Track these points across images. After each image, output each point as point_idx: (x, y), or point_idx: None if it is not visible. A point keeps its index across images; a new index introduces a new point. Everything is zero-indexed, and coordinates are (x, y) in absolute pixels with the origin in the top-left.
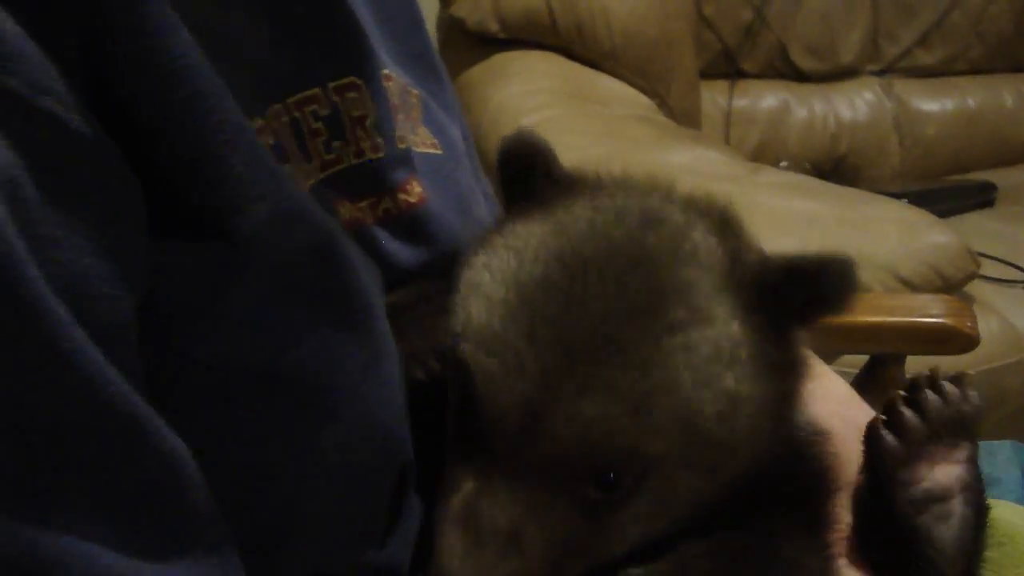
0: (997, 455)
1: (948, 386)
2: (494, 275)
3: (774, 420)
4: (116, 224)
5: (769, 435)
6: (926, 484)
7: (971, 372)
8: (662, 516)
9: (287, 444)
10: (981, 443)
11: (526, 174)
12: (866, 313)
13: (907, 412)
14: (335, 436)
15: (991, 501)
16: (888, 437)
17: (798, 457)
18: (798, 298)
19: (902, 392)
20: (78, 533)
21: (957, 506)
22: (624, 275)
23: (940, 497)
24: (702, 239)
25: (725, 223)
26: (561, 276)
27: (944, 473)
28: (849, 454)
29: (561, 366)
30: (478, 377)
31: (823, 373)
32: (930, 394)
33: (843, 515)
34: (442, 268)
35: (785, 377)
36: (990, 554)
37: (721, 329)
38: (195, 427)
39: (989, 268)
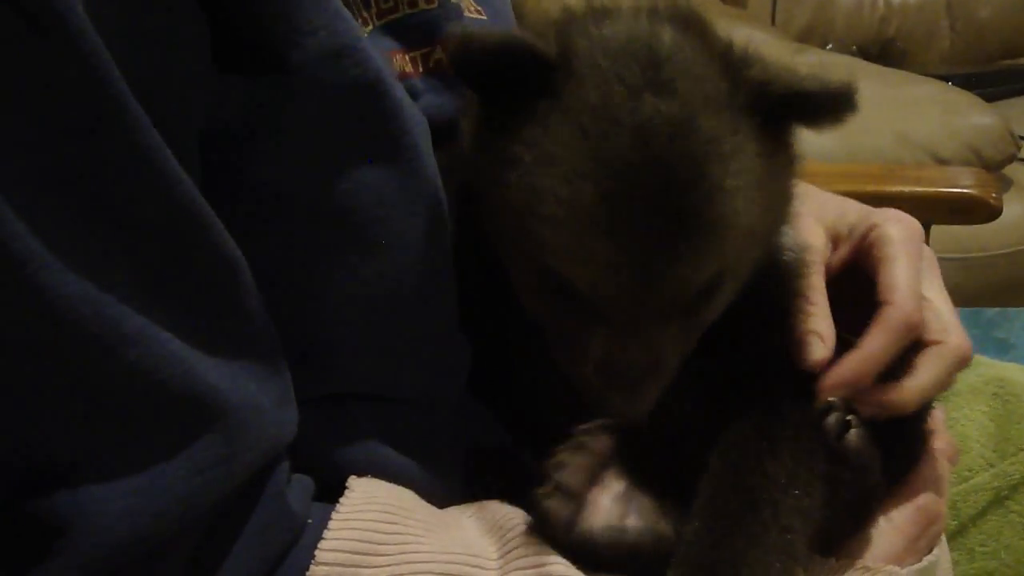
0: (1015, 321)
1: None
2: (547, 196)
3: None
4: (181, 49)
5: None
6: (604, 514)
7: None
8: (726, 302)
9: (330, 269)
10: (1001, 310)
11: (509, 70)
12: (894, 183)
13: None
14: (377, 266)
15: (1005, 364)
16: (550, 503)
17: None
18: (800, 117)
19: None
20: (150, 317)
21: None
22: (663, 160)
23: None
24: (703, 70)
25: (705, 31)
26: (614, 184)
27: (610, 495)
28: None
29: (650, 250)
30: (577, 281)
31: None
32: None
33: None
34: None
35: (790, 171)
36: (998, 410)
37: (751, 157)
38: (246, 247)
39: None
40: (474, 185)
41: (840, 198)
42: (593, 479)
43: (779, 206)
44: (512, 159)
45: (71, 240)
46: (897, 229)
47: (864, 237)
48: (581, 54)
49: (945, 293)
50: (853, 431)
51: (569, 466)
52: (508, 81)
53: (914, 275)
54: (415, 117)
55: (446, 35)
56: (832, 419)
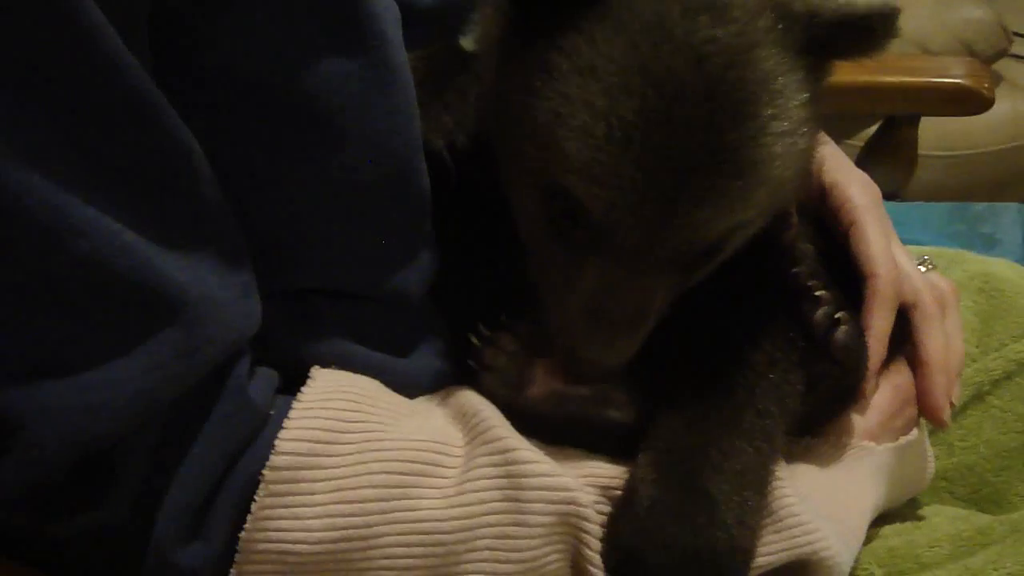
0: (1002, 216)
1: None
2: (582, 107)
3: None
4: None
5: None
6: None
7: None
8: (727, 256)
9: (291, 160)
10: (988, 204)
11: None
12: (885, 73)
13: (489, 350)
14: (340, 158)
15: (990, 259)
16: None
17: None
18: (845, 48)
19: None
20: (101, 208)
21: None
22: (715, 87)
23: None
24: (758, 4)
25: None
26: (659, 103)
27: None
28: None
29: (676, 184)
30: (594, 207)
31: None
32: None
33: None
34: (459, 13)
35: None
36: (983, 305)
37: (794, 100)
38: (206, 138)
39: (1022, 47)
40: (489, 94)
41: None
42: (528, 353)
43: (808, 161)
44: (546, 67)
45: (8, 127)
46: (860, 193)
47: (826, 194)
48: None
49: (903, 248)
50: (842, 327)
51: (497, 345)
52: None
53: (886, 241)
54: (384, 2)
55: None
56: (821, 314)
